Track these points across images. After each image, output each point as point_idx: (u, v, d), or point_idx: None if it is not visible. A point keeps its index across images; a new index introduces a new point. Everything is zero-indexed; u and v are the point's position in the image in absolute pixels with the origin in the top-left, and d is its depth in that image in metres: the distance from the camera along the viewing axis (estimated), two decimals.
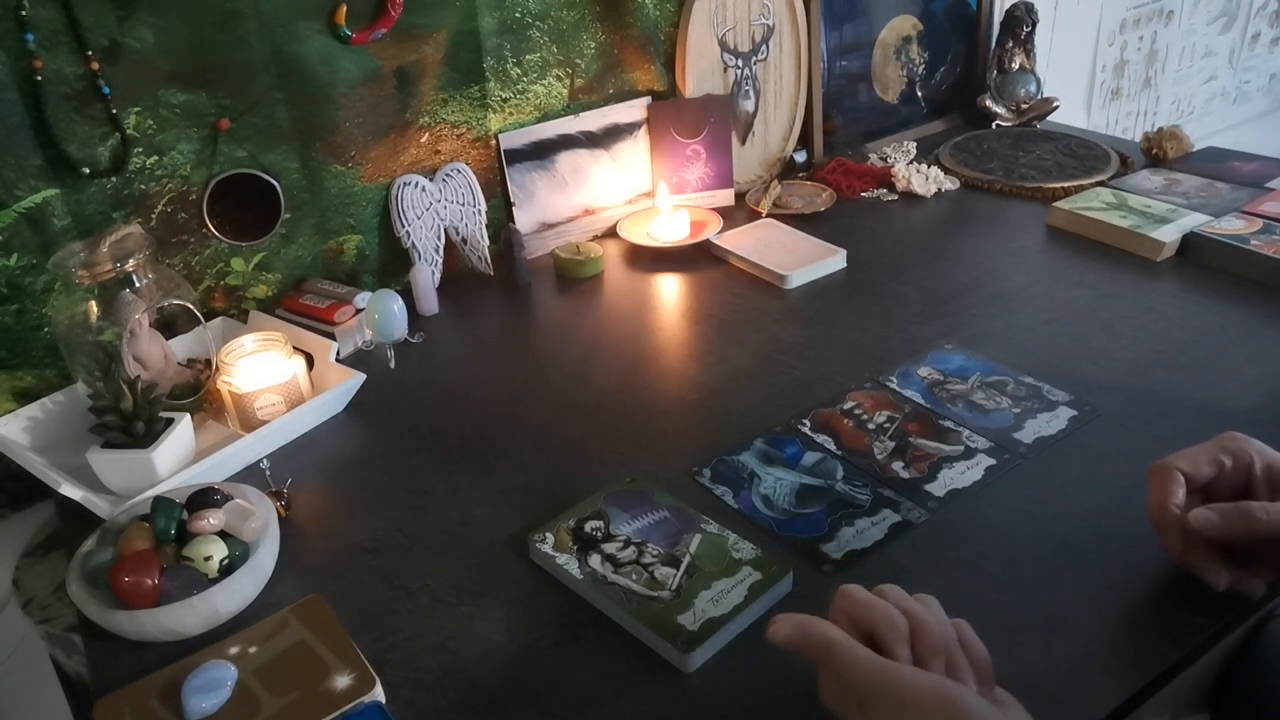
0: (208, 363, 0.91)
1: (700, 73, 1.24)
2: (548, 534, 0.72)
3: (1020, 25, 1.44)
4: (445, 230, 1.11)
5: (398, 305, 0.96)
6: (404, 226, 1.07)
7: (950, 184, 1.29)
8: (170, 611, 0.65)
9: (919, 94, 1.47)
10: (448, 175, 1.09)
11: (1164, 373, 0.87)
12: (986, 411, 0.84)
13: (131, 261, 0.85)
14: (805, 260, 1.10)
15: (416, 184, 1.07)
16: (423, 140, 1.08)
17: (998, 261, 1.10)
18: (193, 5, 0.87)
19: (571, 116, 1.17)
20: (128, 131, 0.88)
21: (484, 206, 1.11)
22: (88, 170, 0.86)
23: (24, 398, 0.88)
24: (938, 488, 0.76)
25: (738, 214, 1.25)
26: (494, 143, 1.13)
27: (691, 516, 0.73)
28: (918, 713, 0.48)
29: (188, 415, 0.83)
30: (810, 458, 0.80)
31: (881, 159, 1.36)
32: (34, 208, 0.85)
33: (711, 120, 1.23)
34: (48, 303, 0.88)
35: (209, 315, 0.97)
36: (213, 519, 0.69)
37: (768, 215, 1.23)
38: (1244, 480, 0.63)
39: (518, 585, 0.70)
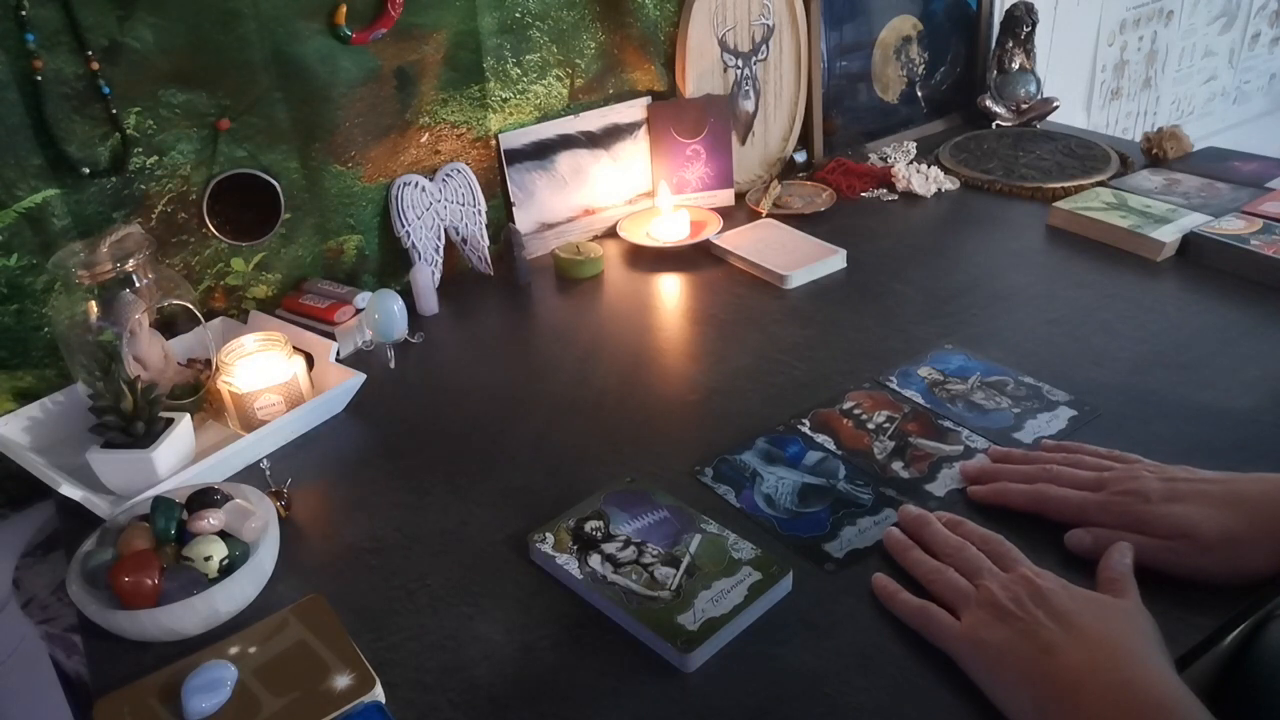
0: (208, 363, 0.91)
1: (700, 73, 1.24)
2: (548, 534, 0.72)
3: (1020, 25, 1.44)
4: (445, 230, 1.11)
5: (398, 305, 0.96)
6: (404, 226, 1.07)
7: (950, 184, 1.29)
8: (170, 611, 0.65)
9: (919, 94, 1.47)
10: (448, 175, 1.09)
11: (1164, 373, 0.87)
12: (986, 411, 0.84)
13: (131, 261, 0.85)
14: (805, 260, 1.10)
15: (416, 184, 1.07)
16: (423, 140, 1.08)
17: (998, 261, 1.10)
18: (193, 5, 0.87)
19: (571, 116, 1.17)
20: (128, 131, 0.88)
21: (484, 206, 1.11)
22: (88, 170, 0.86)
23: (24, 398, 0.88)
24: (938, 487, 0.76)
25: (738, 214, 1.25)
26: (494, 143, 1.13)
27: (691, 516, 0.73)
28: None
29: (188, 415, 0.83)
30: (812, 457, 0.80)
31: (881, 159, 1.36)
32: (34, 208, 0.85)
33: (711, 120, 1.23)
34: (48, 303, 0.88)
35: (209, 315, 0.97)
36: (213, 519, 0.69)
37: (768, 215, 1.23)
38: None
39: (518, 585, 0.70)
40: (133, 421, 0.78)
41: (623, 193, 1.25)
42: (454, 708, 0.61)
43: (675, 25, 1.21)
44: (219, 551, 0.68)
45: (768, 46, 1.28)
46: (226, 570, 0.67)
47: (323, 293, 1.01)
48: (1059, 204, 1.16)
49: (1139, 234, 1.07)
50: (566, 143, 1.17)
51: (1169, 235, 1.06)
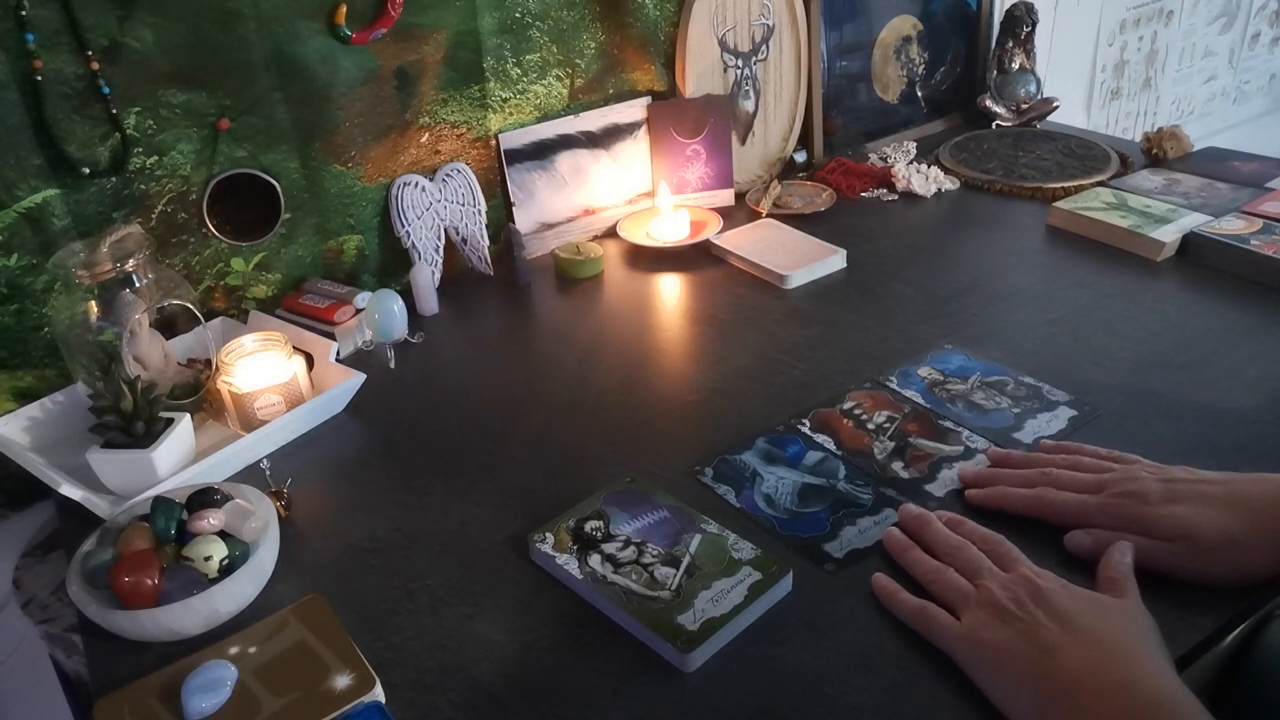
0: (208, 363, 0.91)
1: (700, 73, 1.24)
2: (548, 534, 0.72)
3: (1020, 25, 1.44)
4: (445, 230, 1.11)
5: (398, 305, 0.96)
6: (404, 226, 1.07)
7: (950, 184, 1.29)
8: (170, 611, 0.65)
9: (919, 94, 1.47)
10: (448, 175, 1.09)
11: (1164, 373, 0.87)
12: (986, 411, 0.84)
13: (131, 261, 0.85)
14: (805, 260, 1.10)
15: (416, 184, 1.07)
16: (423, 140, 1.08)
17: (998, 261, 1.10)
18: (193, 5, 0.87)
19: (571, 116, 1.17)
20: (128, 131, 0.88)
21: (484, 206, 1.11)
22: (88, 170, 0.86)
23: (24, 398, 0.88)
24: (937, 488, 0.76)
25: (738, 214, 1.25)
26: (494, 143, 1.13)
27: (691, 516, 0.73)
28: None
29: (188, 415, 0.83)
30: (812, 457, 0.80)
31: (881, 159, 1.36)
32: (34, 208, 0.85)
33: (711, 120, 1.23)
34: (48, 303, 0.88)
35: (209, 315, 0.97)
36: (213, 519, 0.69)
37: (768, 215, 1.23)
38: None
39: (518, 585, 0.70)
40: (133, 421, 0.78)
41: (623, 193, 1.25)
42: (454, 708, 0.61)
43: (675, 25, 1.21)
44: (219, 551, 0.68)
45: (768, 46, 1.28)
46: (226, 570, 0.68)
47: (323, 293, 1.01)
48: (1059, 204, 1.16)
49: (1139, 234, 1.07)
50: (566, 143, 1.17)
51: (1169, 235, 1.06)
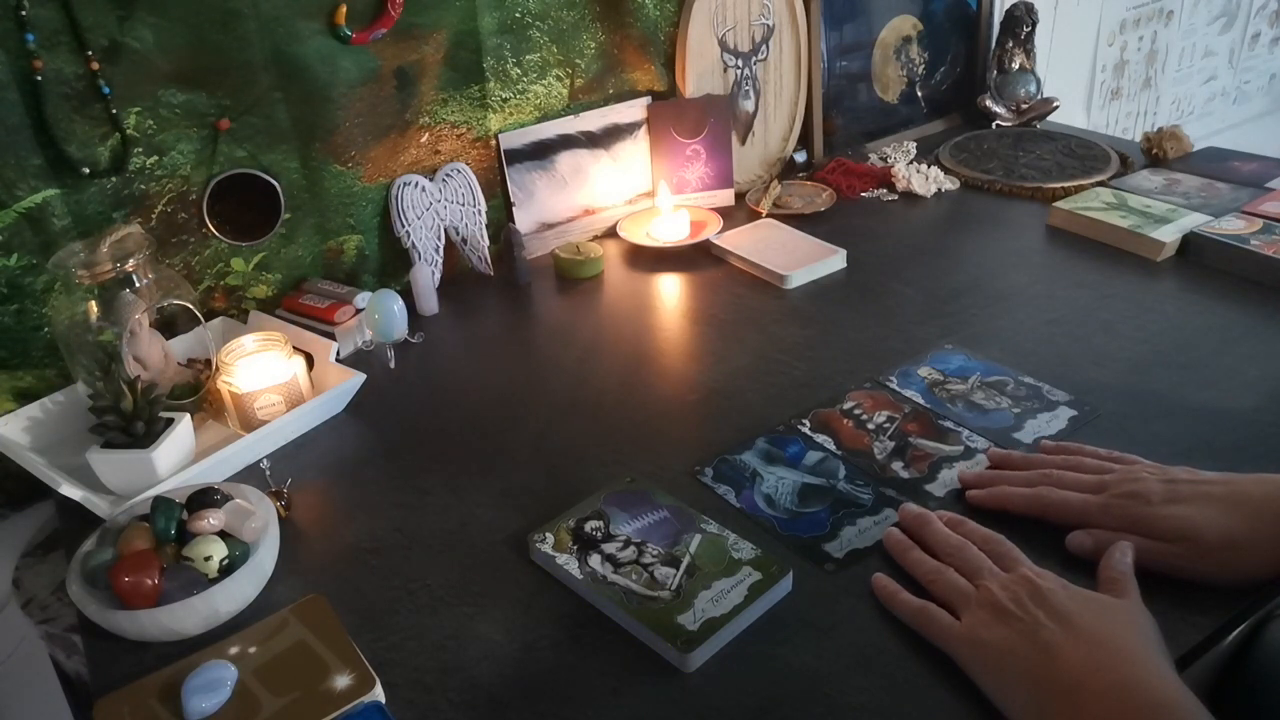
0: (208, 363, 0.91)
1: (700, 73, 1.24)
2: (548, 534, 0.72)
3: (1020, 25, 1.44)
4: (445, 230, 1.11)
5: (398, 305, 0.96)
6: (404, 226, 1.07)
7: (950, 184, 1.29)
8: (170, 611, 0.65)
9: (919, 94, 1.47)
10: (448, 175, 1.09)
11: (1164, 372, 0.87)
12: (986, 411, 0.84)
13: (131, 261, 0.85)
14: (805, 260, 1.10)
15: (416, 184, 1.07)
16: (423, 140, 1.08)
17: (998, 261, 1.10)
18: (193, 5, 0.87)
19: (571, 116, 1.17)
20: (128, 131, 0.88)
21: (484, 206, 1.11)
22: (88, 170, 0.86)
23: (24, 398, 0.88)
24: (937, 488, 0.76)
25: (738, 214, 1.25)
26: (494, 143, 1.13)
27: (691, 516, 0.73)
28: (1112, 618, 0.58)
29: (188, 415, 0.83)
30: (813, 457, 0.80)
31: (881, 159, 1.36)
32: (34, 208, 0.85)
33: (711, 120, 1.23)
34: (48, 303, 0.88)
35: (209, 315, 0.97)
36: (213, 519, 0.69)
37: (768, 215, 1.23)
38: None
39: (518, 585, 0.70)
40: (133, 421, 0.78)
41: (623, 193, 1.25)
42: (454, 708, 0.61)
43: (675, 25, 1.21)
44: (219, 551, 0.68)
45: (768, 46, 1.28)
46: (226, 570, 0.67)
47: (323, 293, 1.01)
48: (1059, 204, 1.16)
49: (1139, 234, 1.07)
50: (566, 143, 1.17)
51: (1169, 235, 1.06)
